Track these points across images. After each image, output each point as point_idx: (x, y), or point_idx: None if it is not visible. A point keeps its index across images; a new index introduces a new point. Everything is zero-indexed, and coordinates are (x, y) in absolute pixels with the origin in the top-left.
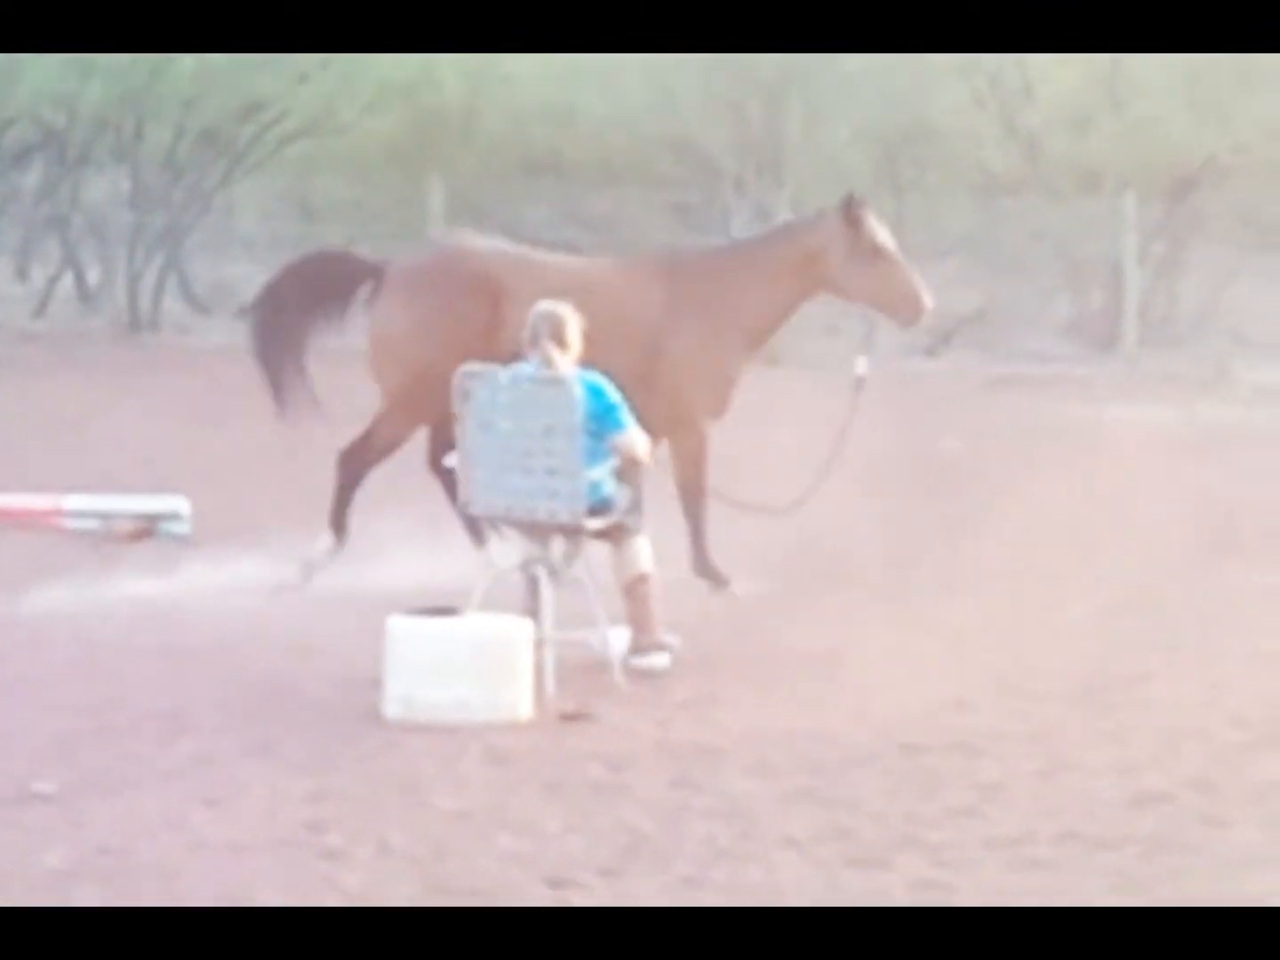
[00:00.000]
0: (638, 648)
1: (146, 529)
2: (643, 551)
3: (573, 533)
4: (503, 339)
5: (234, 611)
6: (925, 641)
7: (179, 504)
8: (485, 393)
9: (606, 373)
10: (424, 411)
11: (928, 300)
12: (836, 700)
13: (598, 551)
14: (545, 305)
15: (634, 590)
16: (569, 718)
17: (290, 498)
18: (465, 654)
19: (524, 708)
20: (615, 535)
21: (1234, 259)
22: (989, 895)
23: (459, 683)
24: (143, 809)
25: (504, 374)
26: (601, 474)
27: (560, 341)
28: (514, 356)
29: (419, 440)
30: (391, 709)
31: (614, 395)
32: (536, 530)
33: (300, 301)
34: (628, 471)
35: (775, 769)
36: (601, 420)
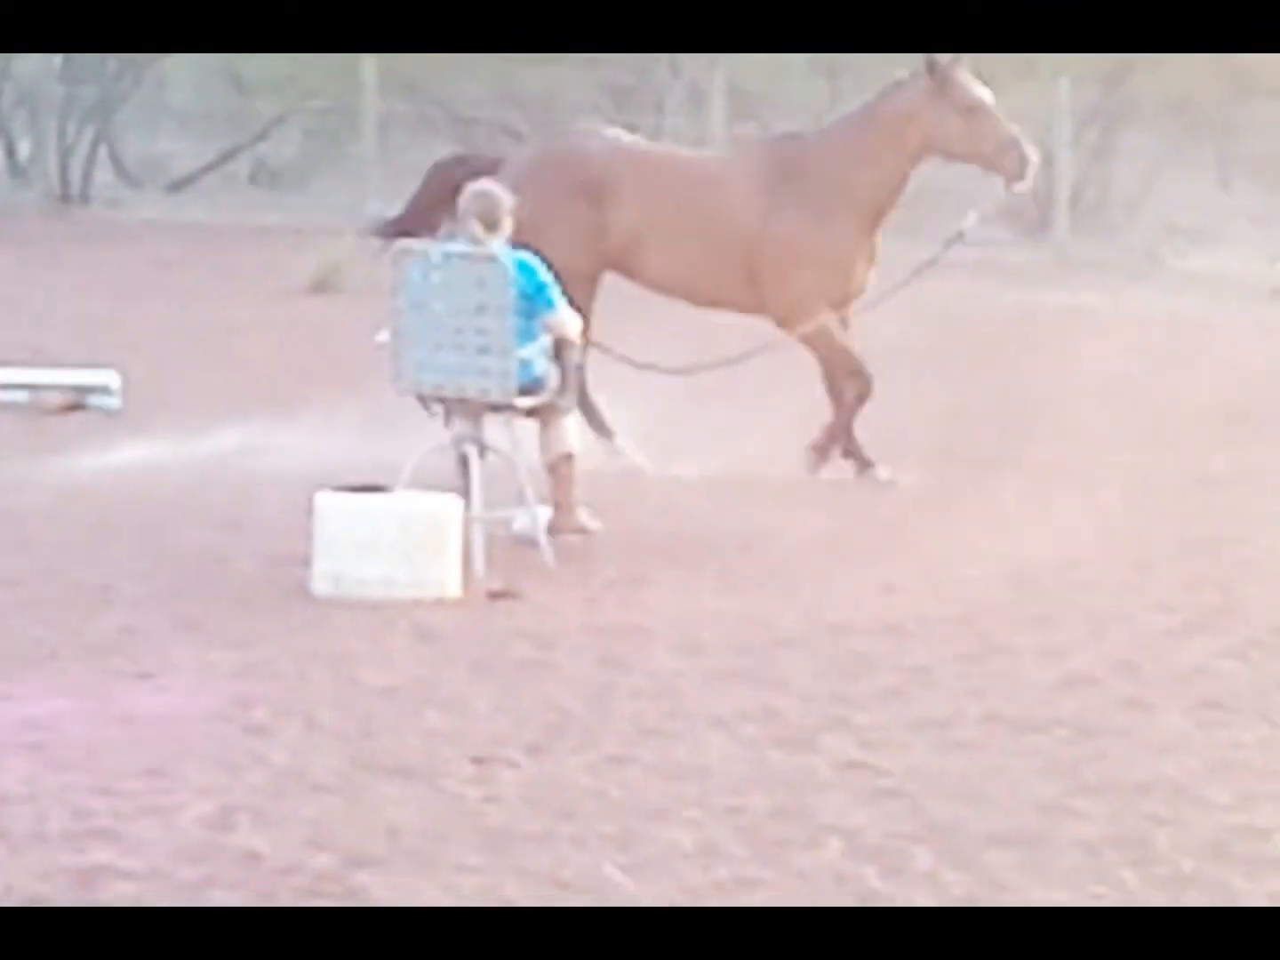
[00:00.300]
0: (557, 528)
1: (76, 402)
2: (571, 431)
3: (503, 410)
4: (608, 236)
5: (164, 486)
6: (854, 526)
7: (109, 377)
8: (418, 270)
9: (710, 269)
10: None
11: (1031, 153)
12: (765, 582)
13: (528, 430)
14: (477, 186)
15: (558, 469)
16: (497, 596)
17: (219, 372)
18: (393, 531)
19: (452, 585)
20: (545, 414)
21: (1166, 147)
22: (915, 776)
23: (387, 560)
24: (70, 681)
25: (436, 251)
26: (532, 353)
27: (488, 222)
28: (622, 252)
29: (357, 319)
30: (320, 585)
31: (544, 274)
32: (467, 408)
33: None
34: (559, 351)
35: (703, 649)
36: (532, 299)
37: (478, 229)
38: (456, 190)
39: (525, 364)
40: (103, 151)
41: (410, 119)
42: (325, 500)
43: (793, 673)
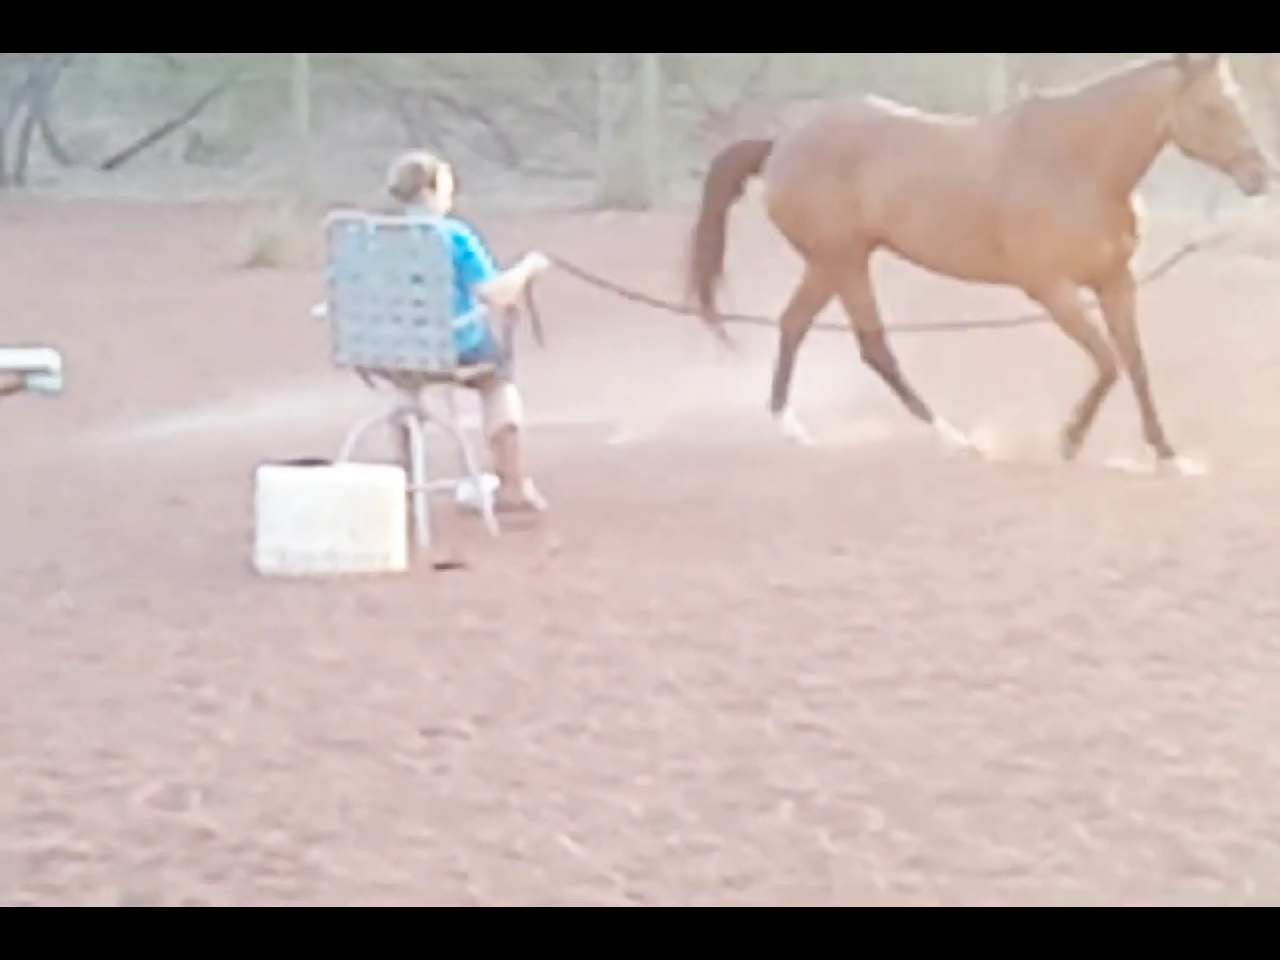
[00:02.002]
0: (503, 504)
1: (15, 384)
2: (512, 401)
3: (442, 381)
4: (863, 208)
5: (105, 466)
6: (797, 485)
7: (49, 357)
8: (354, 241)
9: (957, 239)
10: (832, 278)
11: (1270, 168)
12: (710, 546)
13: (468, 401)
14: (414, 156)
15: (501, 440)
16: (442, 567)
17: (157, 350)
18: (337, 504)
19: (397, 558)
20: (485, 384)
21: None
22: (865, 736)
23: (331, 534)
24: (16, 665)
25: (370, 223)
26: (469, 322)
27: (404, 192)
28: (879, 224)
29: (295, 293)
30: (265, 561)
31: (474, 243)
32: (406, 379)
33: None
34: (499, 319)
35: (650, 615)
36: (461, 268)
37: (429, 197)
38: (740, 182)
39: (463, 333)
40: (36, 131)
41: (343, 90)
42: (268, 475)
43: (740, 636)
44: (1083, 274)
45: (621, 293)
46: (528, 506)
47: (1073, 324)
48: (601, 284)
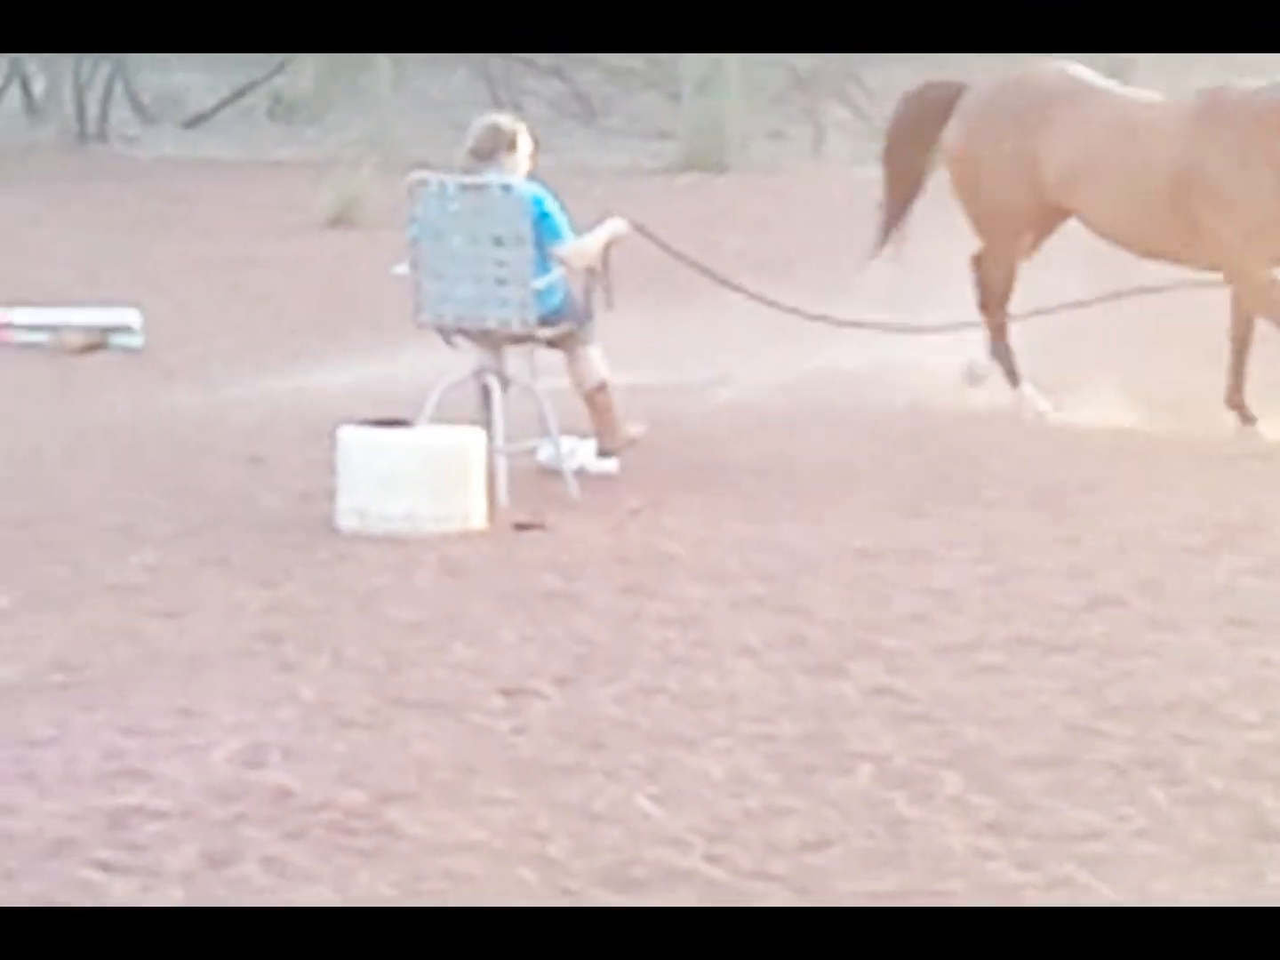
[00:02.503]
0: (609, 450)
1: (98, 342)
2: (597, 360)
3: (524, 341)
4: (1041, 168)
5: (186, 425)
6: (874, 449)
7: (130, 316)
8: (434, 202)
9: (1140, 213)
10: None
11: None
12: (788, 508)
13: (549, 361)
14: (493, 117)
15: (594, 399)
16: (522, 527)
17: (238, 308)
18: (417, 465)
19: (477, 518)
20: (567, 345)
21: None
22: (942, 701)
23: (411, 494)
24: (96, 622)
25: (452, 183)
26: (549, 283)
27: (481, 153)
28: (1057, 188)
29: (375, 253)
30: (345, 521)
31: (552, 205)
32: (488, 339)
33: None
34: (578, 280)
35: (728, 577)
36: (539, 229)
37: (506, 158)
38: (927, 117)
39: (544, 294)
40: (118, 88)
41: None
42: (348, 435)
43: (818, 599)
44: (1273, 254)
45: (693, 265)
46: (631, 441)
47: (1267, 303)
48: (678, 255)
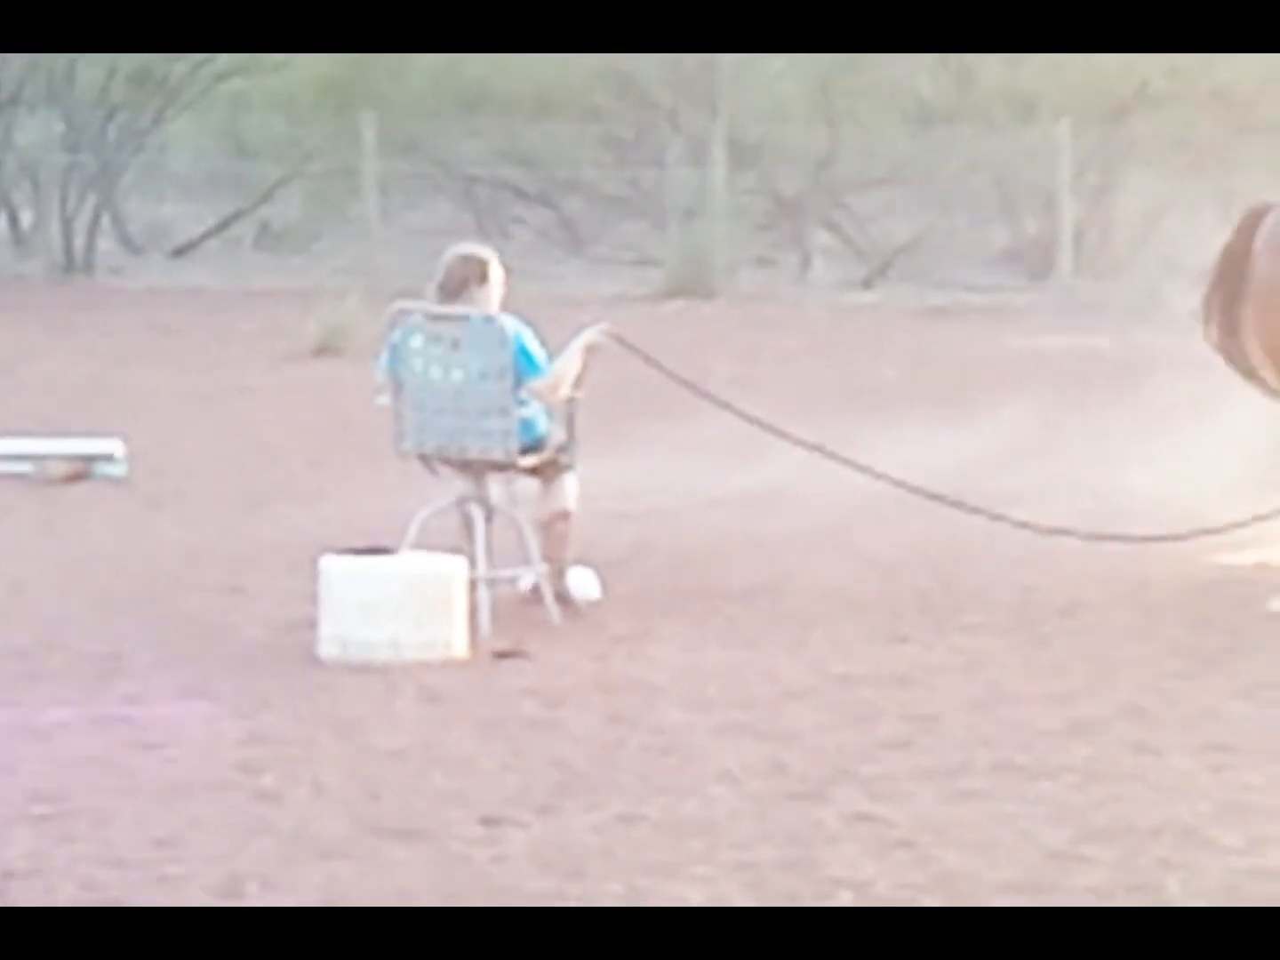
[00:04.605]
0: (540, 590)
1: (81, 471)
2: (570, 489)
3: (506, 469)
4: None
5: (169, 554)
6: (860, 572)
7: (114, 446)
8: (416, 332)
9: None
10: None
11: None
12: (771, 634)
13: (530, 489)
14: (464, 248)
15: (553, 526)
16: (504, 655)
17: (223, 437)
18: (400, 593)
19: (459, 646)
20: (547, 471)
21: (1167, 186)
22: (925, 826)
23: (393, 622)
24: (77, 753)
25: (432, 313)
26: (534, 412)
27: (450, 289)
28: None
29: (360, 381)
30: (326, 649)
31: (531, 342)
32: (470, 468)
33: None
34: (560, 409)
35: (710, 703)
36: (516, 365)
37: (478, 292)
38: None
39: (528, 423)
40: (105, 219)
41: (411, 179)
42: (331, 564)
43: (800, 725)
44: None
45: (670, 376)
46: (563, 599)
47: None
48: (651, 363)
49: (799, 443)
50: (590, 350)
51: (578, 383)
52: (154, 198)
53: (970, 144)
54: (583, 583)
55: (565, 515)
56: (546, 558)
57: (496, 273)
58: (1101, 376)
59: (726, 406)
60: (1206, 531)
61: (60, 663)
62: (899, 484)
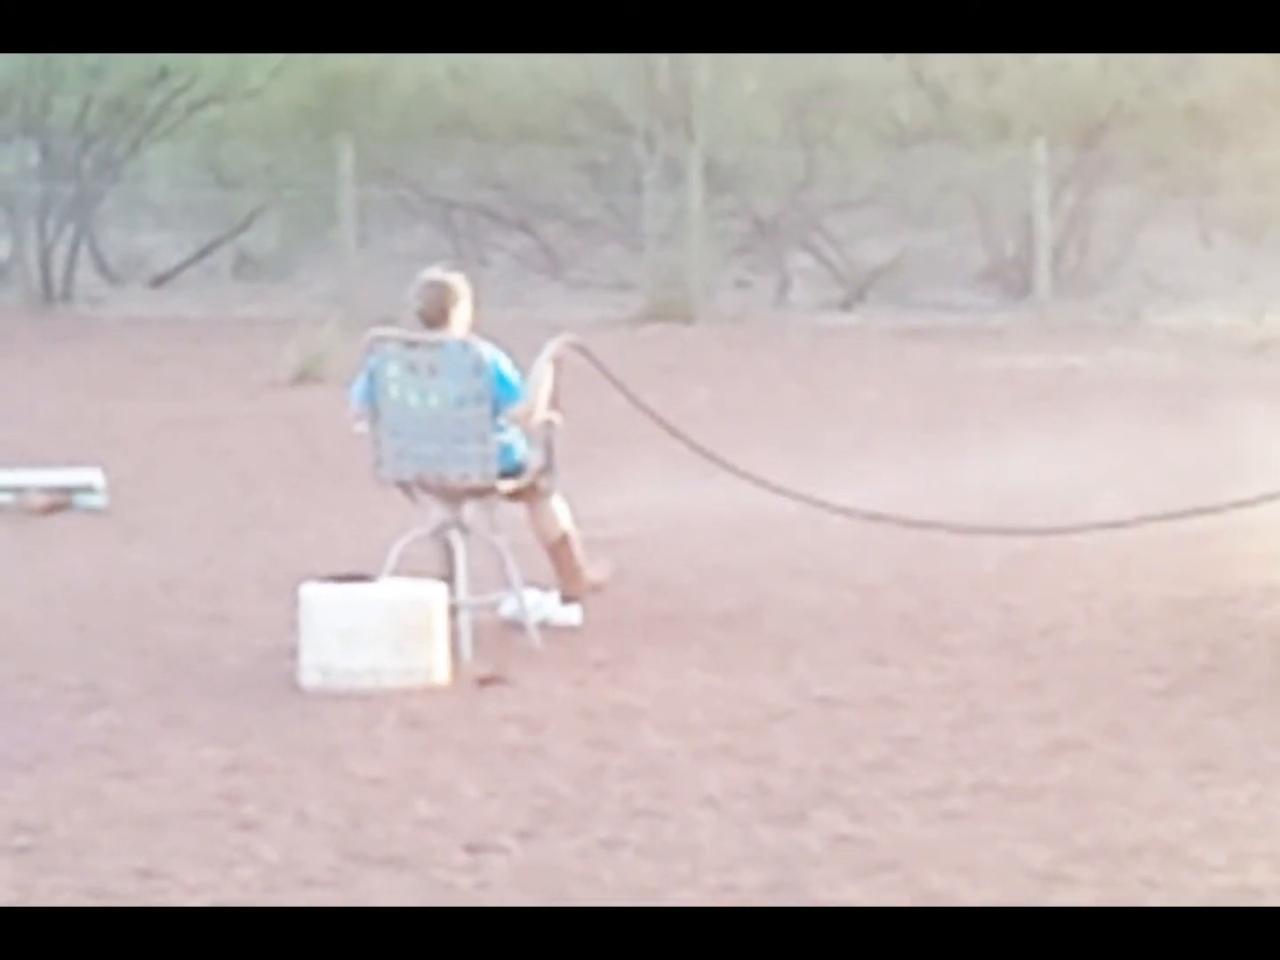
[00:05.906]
0: (568, 598)
1: (61, 501)
2: (560, 512)
3: (485, 495)
4: None
5: (148, 584)
6: (840, 595)
7: (94, 476)
8: (392, 359)
9: None
10: None
11: None
12: (753, 657)
13: (509, 514)
14: (434, 274)
15: (558, 551)
16: (485, 681)
17: (203, 466)
18: (380, 620)
19: (440, 673)
20: (529, 497)
21: (1144, 204)
22: (907, 848)
23: (374, 649)
24: (57, 783)
25: (410, 340)
26: (513, 437)
27: (429, 317)
28: None
29: (339, 409)
30: (308, 677)
31: (506, 366)
32: (449, 493)
33: None
34: (539, 433)
35: (692, 727)
36: (494, 392)
37: (445, 319)
38: None
39: (506, 448)
40: (83, 249)
41: (389, 205)
42: (311, 592)
43: (782, 747)
44: None
45: (630, 400)
46: (598, 588)
47: None
48: (613, 381)
49: (743, 476)
50: (556, 363)
51: (552, 402)
52: (131, 227)
53: (947, 164)
54: (561, 608)
55: (565, 538)
56: (560, 576)
57: (466, 291)
58: (1080, 395)
59: (676, 434)
60: (1102, 526)
61: (41, 693)
62: (844, 510)
